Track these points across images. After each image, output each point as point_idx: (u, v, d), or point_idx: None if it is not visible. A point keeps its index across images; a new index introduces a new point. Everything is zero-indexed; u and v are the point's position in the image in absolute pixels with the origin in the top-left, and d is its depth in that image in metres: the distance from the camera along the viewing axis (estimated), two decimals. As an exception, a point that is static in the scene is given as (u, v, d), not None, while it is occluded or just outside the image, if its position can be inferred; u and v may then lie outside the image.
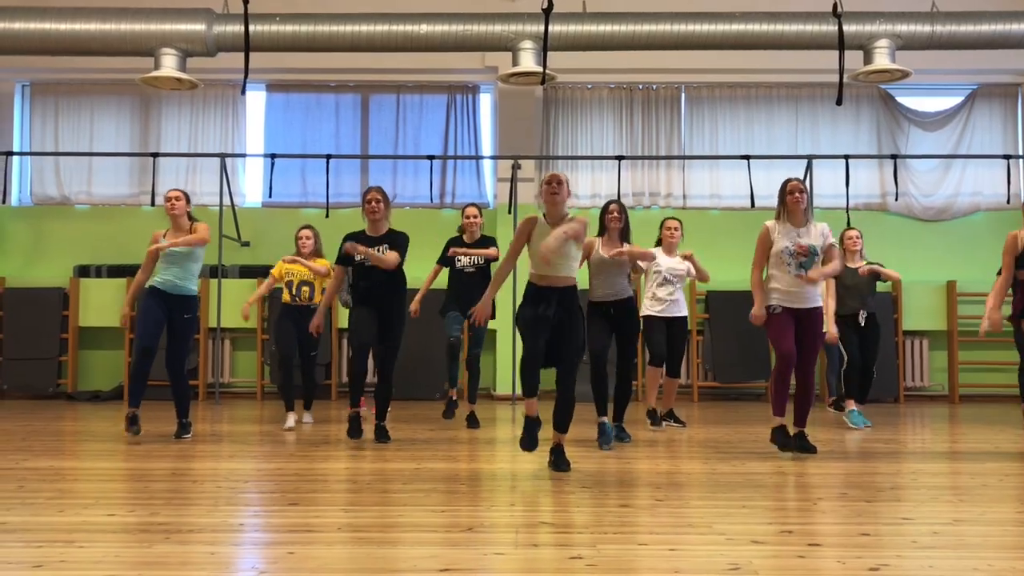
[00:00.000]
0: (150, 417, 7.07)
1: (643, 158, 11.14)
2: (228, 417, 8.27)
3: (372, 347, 6.28)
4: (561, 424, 5.10)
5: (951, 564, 3.03)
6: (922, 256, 10.98)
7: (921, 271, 10.90)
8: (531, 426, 5.07)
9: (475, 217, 7.41)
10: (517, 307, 5.26)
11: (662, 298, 7.24)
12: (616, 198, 6.59)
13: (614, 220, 6.29)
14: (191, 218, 6.56)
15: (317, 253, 7.57)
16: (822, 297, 6.09)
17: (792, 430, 5.79)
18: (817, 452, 5.67)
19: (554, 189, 5.13)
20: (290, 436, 6.68)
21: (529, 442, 5.06)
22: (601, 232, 6.36)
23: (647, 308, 7.32)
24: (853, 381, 7.69)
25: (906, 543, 3.32)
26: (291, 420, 7.26)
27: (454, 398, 7.62)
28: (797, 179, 5.88)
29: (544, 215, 5.17)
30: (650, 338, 7.30)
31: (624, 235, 6.32)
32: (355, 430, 6.30)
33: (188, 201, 6.58)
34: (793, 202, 5.75)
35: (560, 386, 5.10)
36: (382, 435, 6.25)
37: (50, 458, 5.57)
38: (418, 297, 7.46)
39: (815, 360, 5.81)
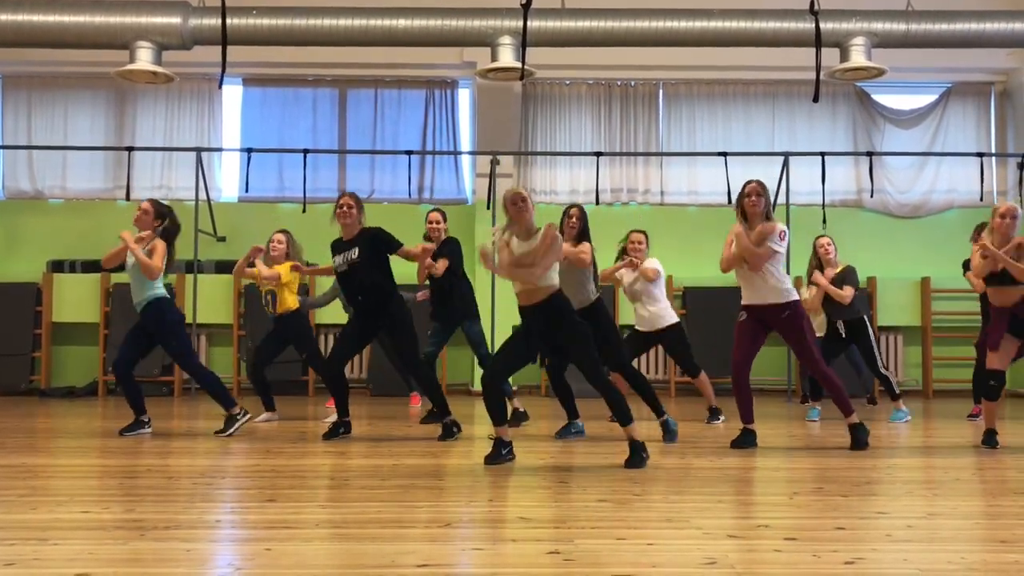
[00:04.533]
0: (123, 415, 7.00)
1: (621, 154, 11.16)
2: (204, 413, 8.21)
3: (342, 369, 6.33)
4: (621, 418, 5.01)
5: (925, 557, 3.05)
6: (897, 252, 11.08)
7: (896, 267, 11.00)
8: (498, 446, 5.05)
9: (438, 223, 7.15)
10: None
11: (639, 314, 7.25)
12: (577, 204, 6.51)
13: (573, 228, 6.25)
14: (159, 234, 6.30)
15: (288, 259, 7.41)
16: (783, 290, 5.96)
17: (853, 421, 5.81)
18: (868, 448, 5.70)
19: (520, 208, 5.04)
20: (266, 432, 6.64)
21: (493, 458, 5.00)
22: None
23: (635, 321, 7.33)
24: (818, 388, 7.71)
25: (881, 536, 3.35)
26: (265, 416, 7.33)
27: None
28: (755, 182, 5.83)
29: (514, 236, 5.12)
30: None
31: (581, 236, 6.25)
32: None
33: (158, 215, 6.35)
34: (750, 205, 5.77)
35: (596, 388, 5.04)
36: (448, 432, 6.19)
37: (23, 455, 5.50)
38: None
39: (811, 353, 5.79)
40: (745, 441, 5.75)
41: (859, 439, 5.73)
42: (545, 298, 4.96)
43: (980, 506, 4.05)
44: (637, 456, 4.91)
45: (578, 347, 4.99)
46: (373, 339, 6.51)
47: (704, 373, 7.33)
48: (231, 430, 6.28)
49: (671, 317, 7.19)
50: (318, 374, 7.38)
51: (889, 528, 3.49)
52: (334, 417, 6.53)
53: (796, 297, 5.81)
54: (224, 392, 6.38)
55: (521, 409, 7.13)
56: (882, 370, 7.75)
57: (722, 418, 7.28)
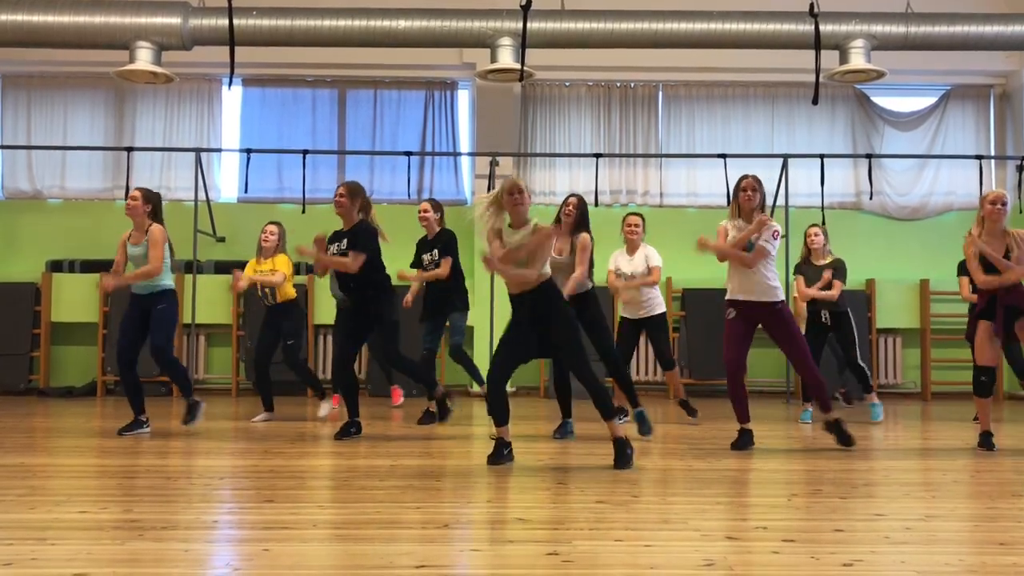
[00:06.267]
0: (121, 415, 7.00)
1: (621, 156, 11.16)
2: (204, 413, 8.19)
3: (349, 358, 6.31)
4: (605, 412, 5.01)
5: (923, 559, 3.05)
6: (896, 255, 11.08)
7: (895, 269, 11.00)
8: (500, 446, 5.05)
9: (425, 212, 7.29)
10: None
11: (626, 301, 7.25)
12: (576, 193, 6.58)
13: (569, 216, 6.31)
14: (150, 217, 6.44)
15: (281, 250, 7.51)
16: (771, 288, 5.98)
17: (820, 424, 5.92)
18: (855, 445, 5.76)
19: (516, 200, 5.04)
20: (264, 433, 6.63)
21: (495, 458, 5.01)
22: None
23: (621, 309, 7.35)
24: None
25: (879, 539, 3.35)
26: (264, 415, 7.38)
27: (432, 410, 7.11)
28: (751, 176, 5.90)
29: (508, 224, 5.15)
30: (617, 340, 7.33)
31: (579, 226, 6.34)
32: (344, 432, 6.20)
33: (147, 200, 6.45)
34: (745, 199, 5.83)
35: (578, 378, 5.05)
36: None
37: (21, 455, 5.50)
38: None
39: (803, 352, 5.84)
40: (743, 442, 5.76)
41: (844, 434, 5.78)
42: (536, 286, 5.01)
43: (978, 508, 4.05)
44: (623, 455, 4.92)
45: (564, 333, 5.00)
46: (369, 333, 6.43)
47: (676, 368, 7.51)
48: (198, 417, 6.49)
49: (662, 305, 7.32)
50: (290, 368, 7.48)
51: (887, 530, 3.49)
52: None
53: (783, 297, 5.87)
54: (189, 382, 6.67)
55: (433, 410, 7.08)
56: (859, 361, 7.74)
57: (697, 417, 7.37)
